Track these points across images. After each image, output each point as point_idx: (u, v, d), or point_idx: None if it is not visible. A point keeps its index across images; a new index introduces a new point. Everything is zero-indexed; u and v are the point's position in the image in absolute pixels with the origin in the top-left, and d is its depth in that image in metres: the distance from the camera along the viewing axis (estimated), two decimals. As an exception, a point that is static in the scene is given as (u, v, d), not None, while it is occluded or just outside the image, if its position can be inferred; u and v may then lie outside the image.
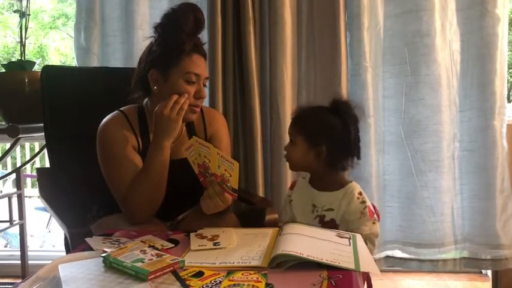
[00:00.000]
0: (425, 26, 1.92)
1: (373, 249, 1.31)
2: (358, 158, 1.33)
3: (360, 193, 1.30)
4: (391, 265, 2.11)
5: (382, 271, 2.21)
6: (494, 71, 1.90)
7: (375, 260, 1.96)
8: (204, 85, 1.38)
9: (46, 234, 3.98)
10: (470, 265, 2.06)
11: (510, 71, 4.62)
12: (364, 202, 1.29)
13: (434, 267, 2.06)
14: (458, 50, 1.97)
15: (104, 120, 1.41)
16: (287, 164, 1.37)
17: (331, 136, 1.28)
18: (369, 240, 1.27)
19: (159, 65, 1.34)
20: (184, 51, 1.32)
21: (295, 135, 1.32)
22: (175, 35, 1.32)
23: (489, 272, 2.22)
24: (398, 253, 2.09)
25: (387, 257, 2.09)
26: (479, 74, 1.93)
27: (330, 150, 1.28)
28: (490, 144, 1.92)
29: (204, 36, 1.93)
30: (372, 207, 1.30)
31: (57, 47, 7.67)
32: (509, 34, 1.98)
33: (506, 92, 1.97)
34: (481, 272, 2.32)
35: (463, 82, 1.98)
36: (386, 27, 1.99)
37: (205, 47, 1.91)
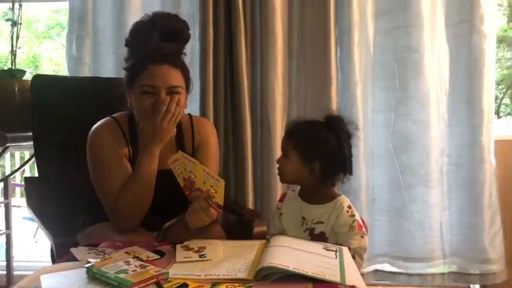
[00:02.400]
0: (415, 42, 1.94)
1: (361, 263, 1.31)
2: (350, 173, 1.34)
3: (349, 206, 1.31)
4: (380, 279, 2.11)
5: (371, 285, 2.20)
6: (482, 87, 1.92)
7: (363, 274, 1.97)
8: (175, 92, 1.37)
9: (33, 244, 3.94)
10: (458, 279, 2.06)
11: (499, 87, 4.67)
12: (353, 216, 1.29)
13: (423, 281, 2.06)
14: (447, 66, 1.99)
15: (96, 125, 1.41)
16: (277, 176, 1.37)
17: (325, 152, 1.29)
18: (357, 254, 1.28)
19: (127, 83, 1.41)
20: (144, 67, 1.36)
21: (288, 149, 1.32)
22: (137, 51, 1.39)
23: (477, 287, 2.22)
24: (387, 267, 2.09)
25: (376, 270, 2.09)
26: (467, 90, 1.96)
27: (323, 166, 1.29)
28: (478, 159, 1.94)
29: (196, 46, 1.96)
30: (360, 221, 1.31)
31: (51, 57, 7.66)
32: (498, 51, 2.01)
33: (493, 109, 1.99)
34: (470, 287, 2.32)
35: (452, 98, 2.00)
36: (376, 43, 2.01)
37: (196, 58, 1.95)
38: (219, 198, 1.16)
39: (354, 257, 1.24)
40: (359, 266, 1.27)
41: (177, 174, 1.25)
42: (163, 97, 1.33)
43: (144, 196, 1.34)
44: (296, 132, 1.35)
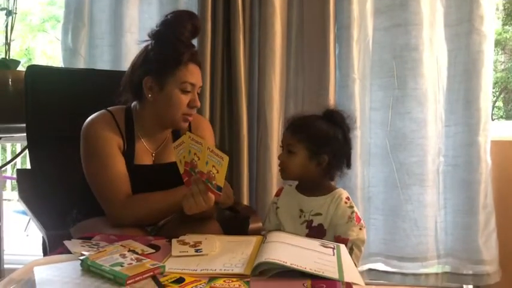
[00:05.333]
0: (414, 40, 1.93)
1: (360, 255, 1.30)
2: (349, 167, 1.35)
3: (348, 198, 1.32)
4: (374, 278, 2.10)
5: (364, 284, 2.19)
6: (480, 87, 1.92)
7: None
8: (198, 93, 1.38)
9: (24, 238, 3.91)
10: (452, 280, 2.06)
11: (493, 90, 4.71)
12: (351, 207, 1.30)
13: (417, 281, 2.05)
14: (445, 65, 1.99)
15: (91, 117, 1.38)
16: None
17: (334, 145, 1.30)
18: (356, 246, 1.27)
19: (155, 73, 1.34)
20: (182, 61, 1.32)
21: (294, 144, 1.31)
22: (173, 44, 1.32)
23: (471, 287, 2.22)
24: (381, 266, 2.08)
25: (370, 269, 2.08)
26: (465, 90, 1.95)
27: (331, 159, 1.30)
28: (474, 159, 1.94)
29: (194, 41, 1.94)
30: (358, 214, 1.30)
31: (44, 50, 7.59)
32: (494, 54, 2.00)
33: (490, 109, 1.99)
34: (463, 287, 2.32)
35: (449, 97, 2.00)
36: (375, 40, 2.00)
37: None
38: (220, 179, 1.12)
39: (352, 249, 1.24)
40: (358, 259, 1.27)
41: (178, 160, 1.22)
42: (197, 99, 1.36)
43: (156, 217, 1.36)
44: (303, 127, 1.33)
